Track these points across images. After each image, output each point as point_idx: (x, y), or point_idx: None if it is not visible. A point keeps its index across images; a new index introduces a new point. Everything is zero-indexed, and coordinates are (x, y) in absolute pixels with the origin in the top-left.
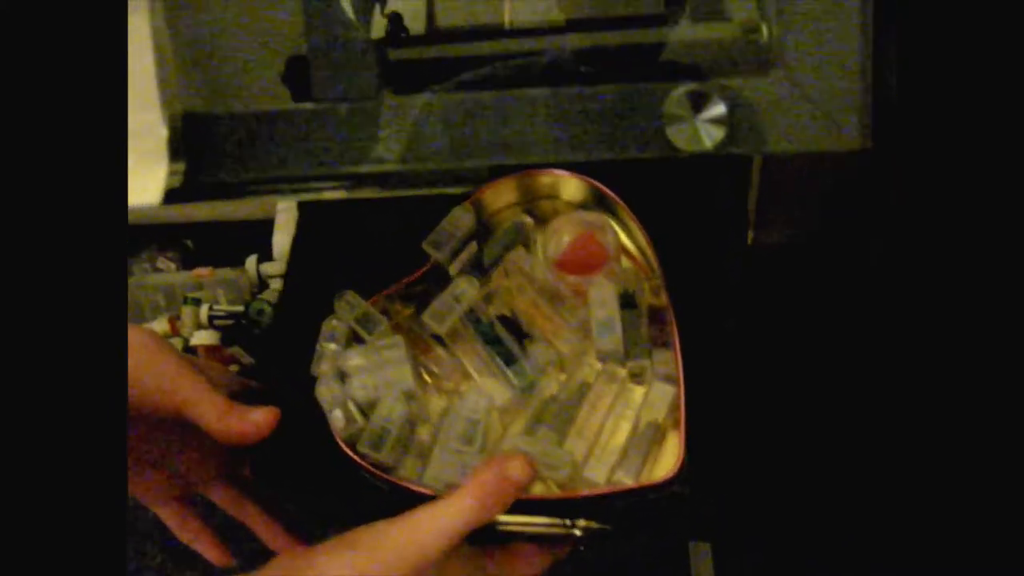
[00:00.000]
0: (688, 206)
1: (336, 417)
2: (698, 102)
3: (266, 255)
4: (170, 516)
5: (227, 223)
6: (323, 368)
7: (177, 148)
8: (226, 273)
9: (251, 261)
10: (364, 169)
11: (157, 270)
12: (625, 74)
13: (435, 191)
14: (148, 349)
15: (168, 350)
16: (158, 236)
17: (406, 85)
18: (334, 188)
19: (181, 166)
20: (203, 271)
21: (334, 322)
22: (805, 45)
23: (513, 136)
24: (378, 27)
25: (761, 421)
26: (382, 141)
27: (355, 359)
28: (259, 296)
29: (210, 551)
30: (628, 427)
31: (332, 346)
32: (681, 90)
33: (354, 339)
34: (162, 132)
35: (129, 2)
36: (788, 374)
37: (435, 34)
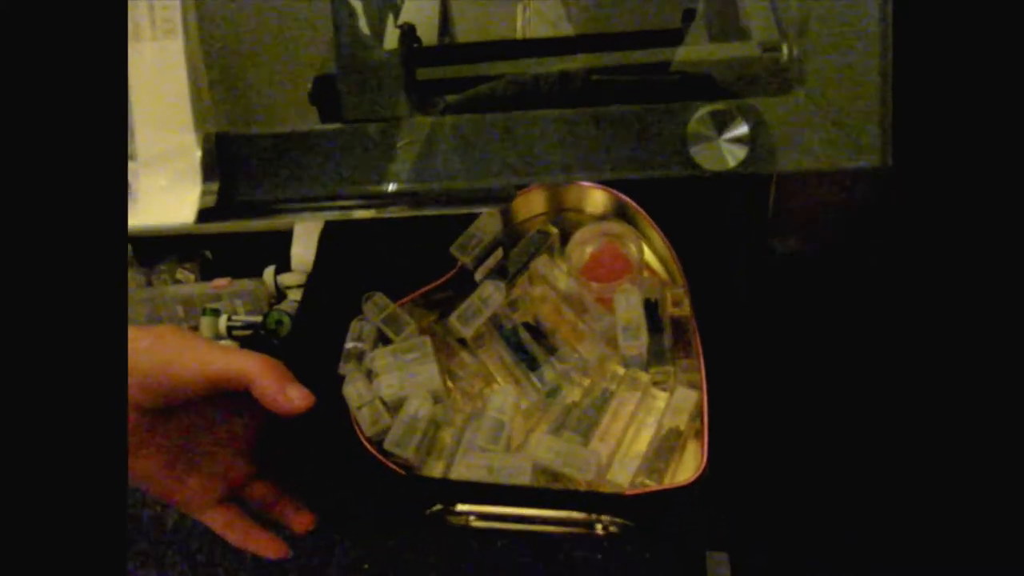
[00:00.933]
0: (706, 218)
1: (363, 415)
2: (721, 122)
3: (284, 266)
4: (217, 520)
5: (245, 234)
6: (350, 368)
7: (210, 169)
8: (244, 284)
9: (269, 272)
10: (391, 188)
11: (176, 281)
12: (645, 93)
13: (461, 210)
14: (176, 333)
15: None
16: (177, 248)
17: (431, 104)
18: (362, 207)
19: (214, 186)
20: (221, 282)
21: (361, 322)
22: (825, 64)
23: (538, 156)
24: (391, 38)
25: (780, 429)
26: (409, 160)
27: (383, 359)
28: (277, 307)
29: (266, 547)
30: (651, 432)
31: (360, 345)
32: (704, 110)
33: (381, 340)
34: (196, 153)
35: (163, 27)
36: (805, 382)
37: (453, 48)
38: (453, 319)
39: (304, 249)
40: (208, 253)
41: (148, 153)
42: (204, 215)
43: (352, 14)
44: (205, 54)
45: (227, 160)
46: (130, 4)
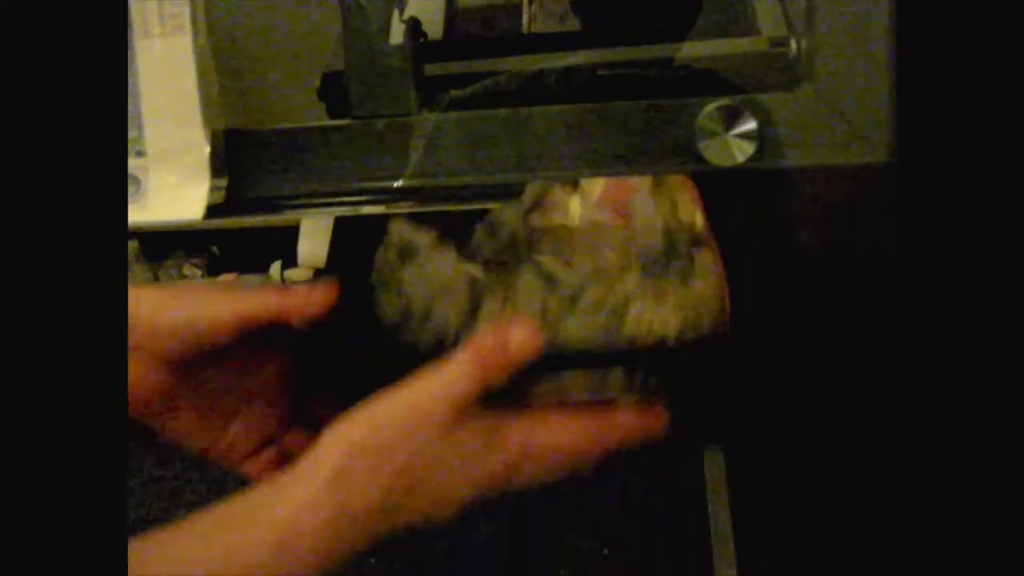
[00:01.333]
0: (713, 217)
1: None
2: (730, 117)
3: (291, 261)
4: (254, 469)
5: (252, 230)
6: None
7: (219, 165)
8: (251, 279)
9: (276, 267)
10: (399, 184)
11: (183, 276)
12: (651, 88)
13: (473, 205)
14: (198, 284)
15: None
16: (184, 242)
17: (437, 99)
18: (372, 203)
19: (223, 182)
20: (228, 277)
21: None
22: (833, 59)
23: (545, 152)
24: (397, 33)
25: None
26: (417, 157)
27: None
28: None
29: None
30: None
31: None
32: (713, 105)
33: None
34: (204, 149)
35: (172, 23)
36: (813, 381)
37: (459, 44)
38: (477, 234)
39: (311, 244)
40: (215, 248)
41: (157, 149)
42: (213, 211)
43: (361, 9)
44: (214, 51)
45: (236, 156)
46: (139, 1)
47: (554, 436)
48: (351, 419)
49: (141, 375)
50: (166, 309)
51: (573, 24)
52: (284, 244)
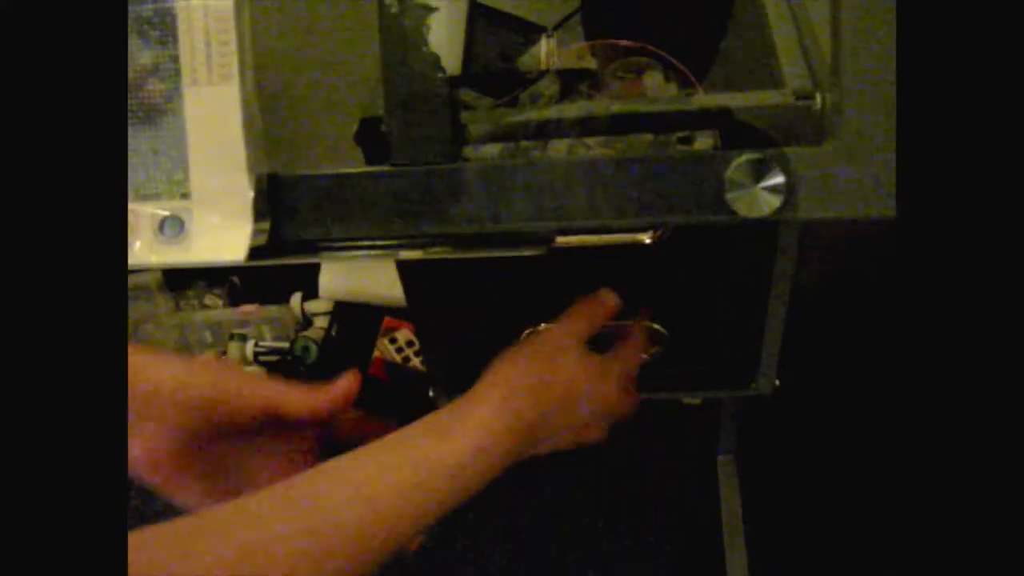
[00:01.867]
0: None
1: None
2: (758, 170)
3: (311, 293)
4: None
5: None
6: None
7: (261, 208)
8: (271, 310)
9: (296, 299)
10: (434, 230)
11: (204, 307)
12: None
13: (506, 252)
14: (231, 366)
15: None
16: (206, 273)
17: (474, 146)
18: (408, 248)
19: (266, 225)
20: (249, 308)
21: None
22: (858, 114)
23: (577, 200)
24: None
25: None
26: (456, 202)
27: None
28: (303, 334)
29: None
30: None
31: None
32: (743, 158)
33: None
34: (248, 193)
35: (220, 72)
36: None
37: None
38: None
39: (331, 277)
40: (236, 279)
41: (202, 192)
42: (255, 253)
43: (403, 57)
44: (258, 98)
45: (277, 200)
46: (189, 51)
47: (634, 351)
48: (507, 357)
49: (155, 443)
50: (192, 385)
51: (589, 62)
52: (304, 276)
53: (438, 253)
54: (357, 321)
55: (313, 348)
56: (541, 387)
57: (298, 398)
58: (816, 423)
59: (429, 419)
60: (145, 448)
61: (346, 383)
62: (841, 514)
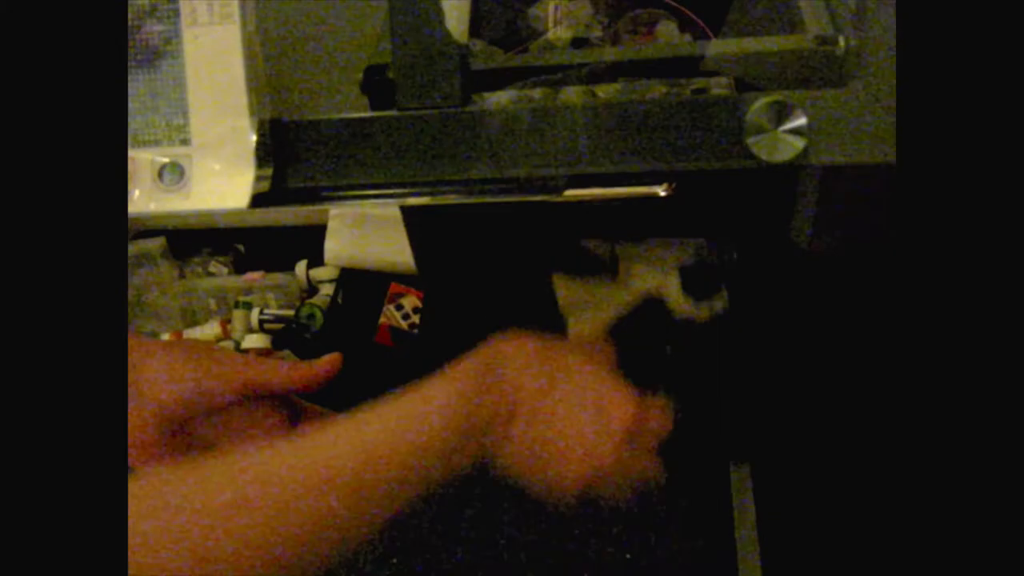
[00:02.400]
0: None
1: None
2: (779, 113)
3: (316, 260)
4: None
5: (278, 228)
6: None
7: (264, 154)
8: (276, 278)
9: (301, 266)
10: (447, 175)
11: (209, 274)
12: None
13: (516, 198)
14: (207, 349)
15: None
16: (210, 240)
17: (478, 93)
18: (415, 195)
19: (268, 171)
20: (254, 275)
21: None
22: (881, 57)
23: (593, 144)
24: (443, 27)
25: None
26: (460, 149)
27: None
28: (309, 301)
29: None
30: None
31: None
32: (764, 100)
33: None
34: (250, 138)
35: (220, 11)
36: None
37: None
38: None
39: (337, 243)
40: (241, 247)
41: (202, 138)
42: (258, 200)
43: (409, 2)
44: (261, 41)
45: (281, 146)
46: None
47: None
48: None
49: (137, 428)
50: (177, 368)
51: (596, 30)
52: (310, 243)
53: (446, 199)
54: (363, 288)
55: (319, 315)
56: (498, 384)
57: (280, 373)
58: (830, 433)
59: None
60: (131, 434)
61: (330, 358)
62: (857, 525)
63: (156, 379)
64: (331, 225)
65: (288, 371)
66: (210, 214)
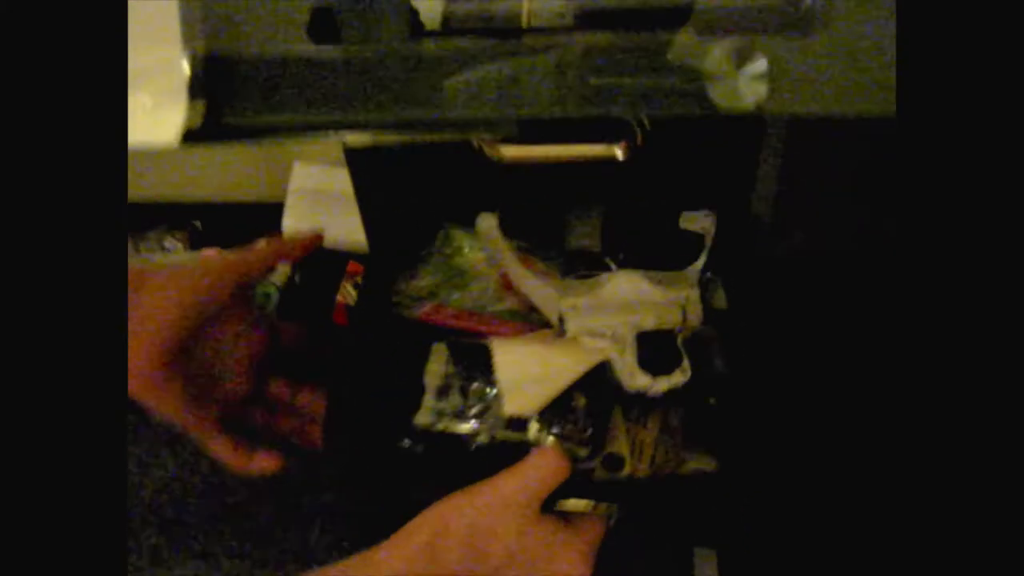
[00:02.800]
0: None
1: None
2: (740, 58)
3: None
4: (225, 447)
5: (236, 204)
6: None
7: (198, 88)
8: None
9: (261, 244)
10: (389, 115)
11: (164, 250)
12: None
13: (460, 136)
14: (190, 261)
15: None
16: (166, 216)
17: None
18: (356, 133)
19: (200, 106)
20: (210, 251)
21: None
22: (850, 6)
23: (544, 88)
24: None
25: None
26: (408, 87)
27: None
28: (265, 279)
29: (267, 464)
30: None
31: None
32: (723, 45)
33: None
34: (183, 70)
35: None
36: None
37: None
38: None
39: (295, 221)
40: (198, 223)
41: (133, 69)
42: (189, 136)
43: None
44: None
45: (217, 81)
46: None
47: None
48: (446, 501)
49: (143, 362)
50: (170, 295)
51: (570, 23)
52: (268, 220)
53: (388, 138)
54: (320, 267)
55: (275, 294)
56: (474, 543)
57: (263, 255)
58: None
59: (351, 560)
60: (134, 367)
61: (312, 236)
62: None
63: (150, 312)
64: (289, 202)
65: (270, 250)
66: (141, 149)
